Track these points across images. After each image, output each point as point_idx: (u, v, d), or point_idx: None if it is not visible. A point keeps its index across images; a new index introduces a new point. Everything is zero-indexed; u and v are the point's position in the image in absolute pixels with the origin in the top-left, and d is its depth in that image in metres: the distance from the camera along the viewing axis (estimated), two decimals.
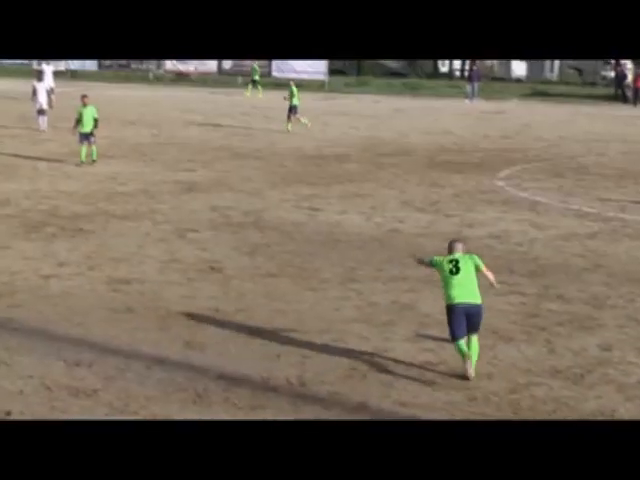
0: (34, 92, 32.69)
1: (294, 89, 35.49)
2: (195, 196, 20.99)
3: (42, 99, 32.52)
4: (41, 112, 32.36)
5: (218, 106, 45.63)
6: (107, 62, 68.16)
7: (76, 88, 40.81)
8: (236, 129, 35.30)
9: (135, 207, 19.40)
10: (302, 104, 35.64)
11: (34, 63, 54.84)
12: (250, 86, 54.23)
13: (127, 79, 63.86)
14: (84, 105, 25.47)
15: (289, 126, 34.75)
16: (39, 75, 35.34)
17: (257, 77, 55.57)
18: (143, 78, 64.71)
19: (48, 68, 40.88)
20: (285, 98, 35.76)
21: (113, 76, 64.89)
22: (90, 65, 67.25)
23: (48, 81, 33.43)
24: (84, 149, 25.06)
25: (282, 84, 62.01)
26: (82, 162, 24.89)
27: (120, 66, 67.73)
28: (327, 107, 46.57)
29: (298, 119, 34.97)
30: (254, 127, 36.13)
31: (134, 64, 68.19)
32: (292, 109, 35.17)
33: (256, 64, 58.81)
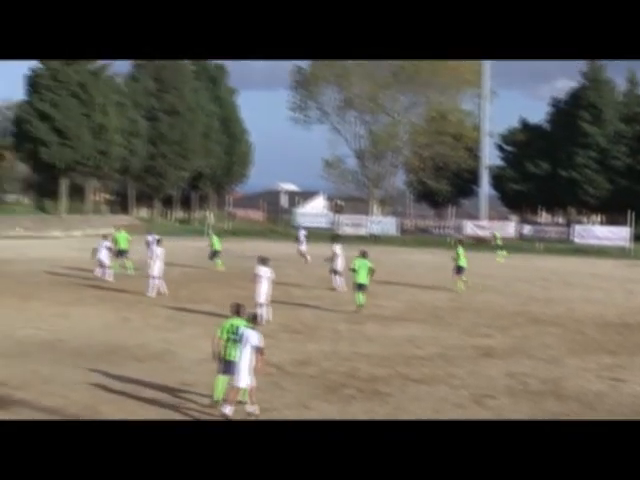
0: (333, 255, 34.18)
1: (460, 250, 35.84)
2: (492, 362, 20.71)
3: (338, 261, 33.89)
4: (335, 272, 33.78)
5: (516, 271, 45.40)
6: (408, 227, 70.00)
7: (376, 252, 42.04)
8: (534, 294, 34.85)
9: (432, 371, 19.38)
10: (603, 270, 34.71)
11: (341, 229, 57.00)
12: (499, 251, 54.33)
13: (426, 244, 65.07)
14: (360, 256, 28.78)
15: (460, 286, 35.23)
16: (336, 238, 36.95)
17: (499, 242, 56.11)
18: (441, 243, 65.72)
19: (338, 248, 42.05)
20: (453, 258, 36.24)
21: (413, 241, 66.37)
22: (391, 230, 69.34)
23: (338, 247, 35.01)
24: (359, 296, 28.02)
25: (583, 250, 61.02)
26: (359, 307, 27.93)
27: (420, 231, 69.40)
28: (630, 274, 45.11)
29: (461, 279, 35.40)
30: (553, 292, 35.54)
31: (434, 229, 69.63)
32: (459, 270, 35.59)
33: (496, 231, 59.63)
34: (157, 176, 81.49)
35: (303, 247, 47.87)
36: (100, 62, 76.18)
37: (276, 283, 34.36)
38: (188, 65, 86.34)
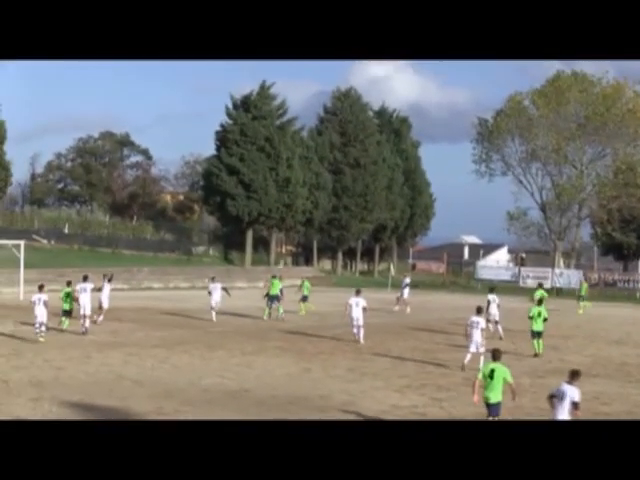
0: (488, 304, 34.92)
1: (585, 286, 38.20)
2: None
3: (492, 310, 34.88)
4: (489, 321, 34.19)
5: None
6: (593, 280, 68.24)
7: (560, 305, 41.38)
8: None
9: None
10: None
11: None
12: (581, 303, 52.10)
13: (612, 297, 63.30)
14: (537, 304, 30.72)
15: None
16: (492, 289, 36.84)
17: (583, 292, 53.56)
18: (630, 297, 63.80)
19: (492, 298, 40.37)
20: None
21: (598, 294, 64.73)
22: (576, 283, 67.82)
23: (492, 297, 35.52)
24: (536, 343, 29.66)
25: None
26: (537, 355, 29.37)
27: (606, 284, 67.59)
28: None
29: None
30: None
31: (621, 283, 67.68)
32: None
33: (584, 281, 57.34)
34: (340, 228, 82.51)
35: (405, 295, 47.69)
36: (287, 117, 78.23)
37: (458, 335, 34.15)
38: (373, 119, 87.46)
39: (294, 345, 31.04)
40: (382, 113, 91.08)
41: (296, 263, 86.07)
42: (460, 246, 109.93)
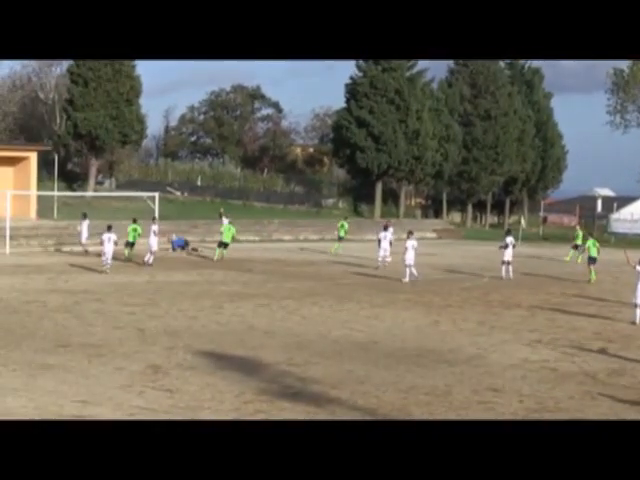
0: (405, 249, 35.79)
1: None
2: None
3: (407, 255, 35.33)
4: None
5: None
6: None
7: None
8: None
9: None
10: None
11: None
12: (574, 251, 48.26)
13: None
14: None
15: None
16: (409, 234, 36.80)
17: (578, 240, 49.01)
18: None
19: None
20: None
21: None
22: None
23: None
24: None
25: None
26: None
27: None
28: None
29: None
30: None
31: None
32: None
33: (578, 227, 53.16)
34: (470, 181, 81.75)
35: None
36: (417, 69, 77.59)
37: (590, 288, 33.50)
38: (504, 70, 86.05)
39: (422, 298, 31.04)
40: (514, 64, 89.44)
41: (425, 216, 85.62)
42: (593, 199, 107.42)
